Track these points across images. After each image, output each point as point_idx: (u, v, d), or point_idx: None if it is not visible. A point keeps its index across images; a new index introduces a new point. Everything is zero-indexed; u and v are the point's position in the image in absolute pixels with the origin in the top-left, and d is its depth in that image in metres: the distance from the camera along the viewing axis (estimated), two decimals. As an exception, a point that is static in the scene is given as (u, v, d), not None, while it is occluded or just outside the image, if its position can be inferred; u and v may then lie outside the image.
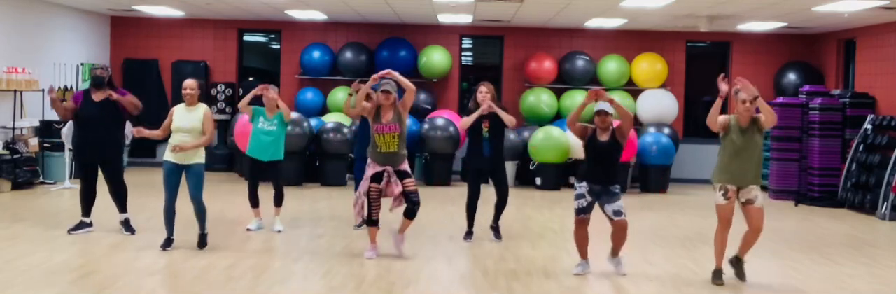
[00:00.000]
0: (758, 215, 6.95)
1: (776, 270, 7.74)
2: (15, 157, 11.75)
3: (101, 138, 8.50)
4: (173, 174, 7.76)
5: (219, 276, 6.87)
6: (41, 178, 12.43)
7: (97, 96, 8.52)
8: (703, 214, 11.19)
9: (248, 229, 9.08)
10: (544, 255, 8.08)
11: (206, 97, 14.91)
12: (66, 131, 11.54)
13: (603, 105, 7.11)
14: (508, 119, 8.42)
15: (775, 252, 8.56)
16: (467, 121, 8.50)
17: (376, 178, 7.69)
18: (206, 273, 6.94)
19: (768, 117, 6.85)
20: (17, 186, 11.78)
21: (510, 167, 13.71)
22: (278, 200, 9.15)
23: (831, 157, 12.78)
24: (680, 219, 10.90)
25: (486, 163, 8.57)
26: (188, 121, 7.75)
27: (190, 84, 7.83)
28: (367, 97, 7.97)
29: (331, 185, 13.37)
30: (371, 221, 7.76)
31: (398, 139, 7.67)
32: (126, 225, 8.64)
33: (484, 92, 8.51)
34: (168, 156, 7.77)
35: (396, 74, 7.84)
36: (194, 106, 7.83)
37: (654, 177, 13.91)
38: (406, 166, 7.79)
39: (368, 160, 7.78)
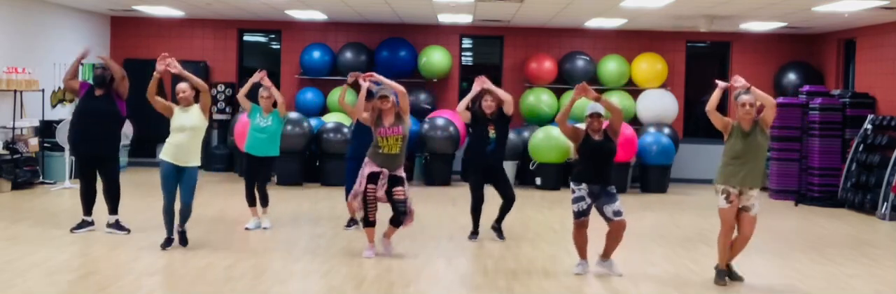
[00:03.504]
0: (750, 224, 6.99)
1: (776, 270, 7.74)
2: (15, 157, 11.74)
3: (99, 134, 8.51)
4: (171, 175, 7.83)
5: (219, 276, 6.87)
6: (41, 178, 12.43)
7: (98, 91, 8.59)
8: (703, 214, 11.19)
9: (246, 228, 9.09)
10: (544, 255, 8.08)
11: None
12: (62, 128, 11.54)
13: (596, 107, 7.11)
14: (504, 96, 8.48)
15: (775, 252, 8.56)
16: (464, 102, 8.53)
17: (372, 178, 7.69)
18: (206, 273, 6.94)
19: (768, 112, 6.88)
20: (17, 186, 11.77)
21: (510, 167, 13.69)
22: (263, 201, 9.18)
23: (831, 157, 12.77)
24: (680, 219, 10.90)
25: (489, 158, 8.53)
26: (189, 119, 7.88)
27: (183, 87, 7.98)
28: (368, 95, 8.00)
29: (331, 185, 13.34)
30: (367, 222, 7.75)
31: (401, 142, 7.66)
32: (117, 226, 8.62)
33: (482, 81, 8.57)
34: (165, 155, 7.83)
35: (380, 77, 7.98)
36: (189, 106, 7.98)
37: (654, 177, 13.91)
38: (402, 172, 7.77)
39: (366, 159, 7.76)
